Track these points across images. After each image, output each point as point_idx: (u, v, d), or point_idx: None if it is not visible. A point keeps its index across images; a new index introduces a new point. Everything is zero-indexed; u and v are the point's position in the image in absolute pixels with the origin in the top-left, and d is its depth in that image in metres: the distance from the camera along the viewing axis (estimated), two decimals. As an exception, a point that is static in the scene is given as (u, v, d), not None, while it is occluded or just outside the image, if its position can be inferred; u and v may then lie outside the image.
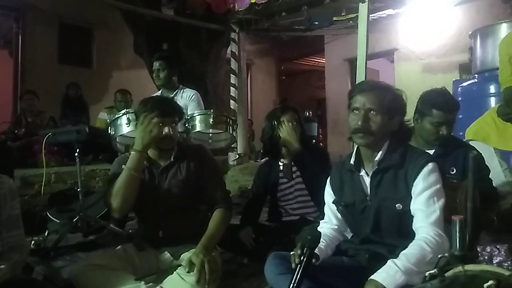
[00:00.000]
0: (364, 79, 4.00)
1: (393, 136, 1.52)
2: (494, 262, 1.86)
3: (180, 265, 1.71)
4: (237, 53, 5.89)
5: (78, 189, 2.91)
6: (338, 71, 8.71)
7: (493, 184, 2.17)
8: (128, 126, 2.42)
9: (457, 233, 0.98)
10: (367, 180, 1.54)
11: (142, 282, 1.64)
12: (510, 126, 2.69)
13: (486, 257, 1.88)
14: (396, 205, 1.45)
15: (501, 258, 1.87)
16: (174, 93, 3.15)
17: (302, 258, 1.23)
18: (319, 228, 1.44)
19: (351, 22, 5.96)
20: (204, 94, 4.05)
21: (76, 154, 2.86)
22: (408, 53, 7.41)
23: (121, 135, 2.50)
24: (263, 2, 4.87)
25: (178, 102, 2.40)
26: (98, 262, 1.73)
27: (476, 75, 4.17)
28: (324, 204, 1.71)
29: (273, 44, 9.84)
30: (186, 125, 2.72)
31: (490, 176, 2.13)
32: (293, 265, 1.26)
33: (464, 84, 4.19)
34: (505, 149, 2.77)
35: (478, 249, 1.85)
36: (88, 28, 7.44)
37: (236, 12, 5.43)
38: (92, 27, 7.46)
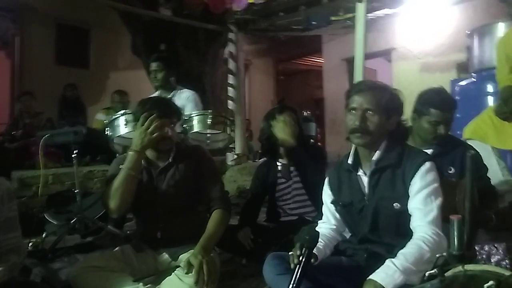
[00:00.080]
0: (362, 78, 4.01)
1: (391, 136, 1.52)
2: (492, 261, 1.86)
3: (179, 266, 1.70)
4: (235, 53, 5.89)
5: (76, 191, 2.91)
6: (336, 71, 8.71)
7: (491, 183, 2.18)
8: (126, 127, 2.41)
9: (455, 233, 0.98)
10: (365, 179, 1.54)
11: (140, 284, 1.64)
12: (508, 125, 2.70)
13: (484, 256, 1.89)
14: (394, 205, 1.45)
15: (499, 257, 1.87)
16: (172, 93, 3.14)
17: (301, 258, 1.23)
18: (317, 228, 1.44)
19: (348, 21, 5.96)
20: (202, 94, 4.04)
21: (73, 155, 2.85)
22: (406, 52, 7.42)
23: (119, 136, 2.49)
24: (261, 2, 4.87)
25: (176, 103, 2.40)
26: (96, 263, 1.72)
27: (473, 74, 4.17)
28: (322, 204, 1.71)
29: (271, 44, 9.83)
30: (184, 125, 2.71)
31: (488, 175, 2.13)
32: (292, 265, 1.27)
33: (462, 83, 4.20)
34: (502, 148, 2.78)
35: (476, 248, 1.85)
36: (85, 29, 7.43)
37: (233, 12, 5.43)
38: (89, 27, 7.45)
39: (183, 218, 1.89)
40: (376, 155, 1.50)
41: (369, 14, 4.77)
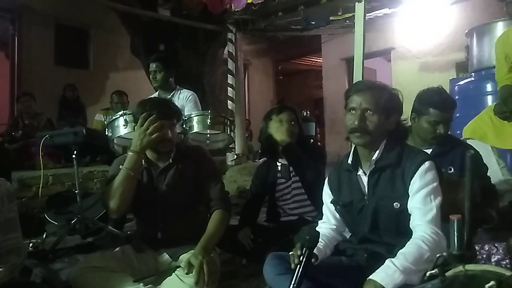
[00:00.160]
0: (361, 78, 4.01)
1: (390, 136, 1.53)
2: (492, 261, 1.87)
3: (179, 267, 1.70)
4: (234, 54, 5.89)
5: (76, 191, 2.90)
6: (335, 71, 8.72)
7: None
8: (126, 128, 2.41)
9: (455, 232, 0.97)
10: (364, 179, 1.54)
11: (141, 284, 1.64)
12: (507, 124, 2.70)
13: (484, 256, 1.89)
14: (394, 204, 1.45)
15: (499, 257, 1.88)
16: (171, 94, 3.14)
17: (301, 258, 1.23)
18: (317, 228, 1.44)
19: (347, 21, 5.99)
20: (201, 94, 4.05)
21: (73, 156, 2.85)
22: (405, 52, 7.43)
23: (118, 136, 2.49)
24: (260, 2, 4.87)
25: (175, 103, 2.40)
26: (96, 264, 1.72)
27: (472, 73, 4.18)
28: (322, 203, 1.71)
29: (270, 44, 9.84)
30: (184, 126, 2.71)
31: (487, 174, 2.14)
32: (292, 265, 1.27)
33: (461, 82, 4.20)
34: (502, 148, 2.78)
35: (476, 247, 1.85)
36: (85, 29, 7.43)
37: (232, 13, 5.43)
38: (88, 28, 7.44)
39: (183, 219, 1.89)
40: (375, 155, 1.50)
41: (368, 14, 4.78)
